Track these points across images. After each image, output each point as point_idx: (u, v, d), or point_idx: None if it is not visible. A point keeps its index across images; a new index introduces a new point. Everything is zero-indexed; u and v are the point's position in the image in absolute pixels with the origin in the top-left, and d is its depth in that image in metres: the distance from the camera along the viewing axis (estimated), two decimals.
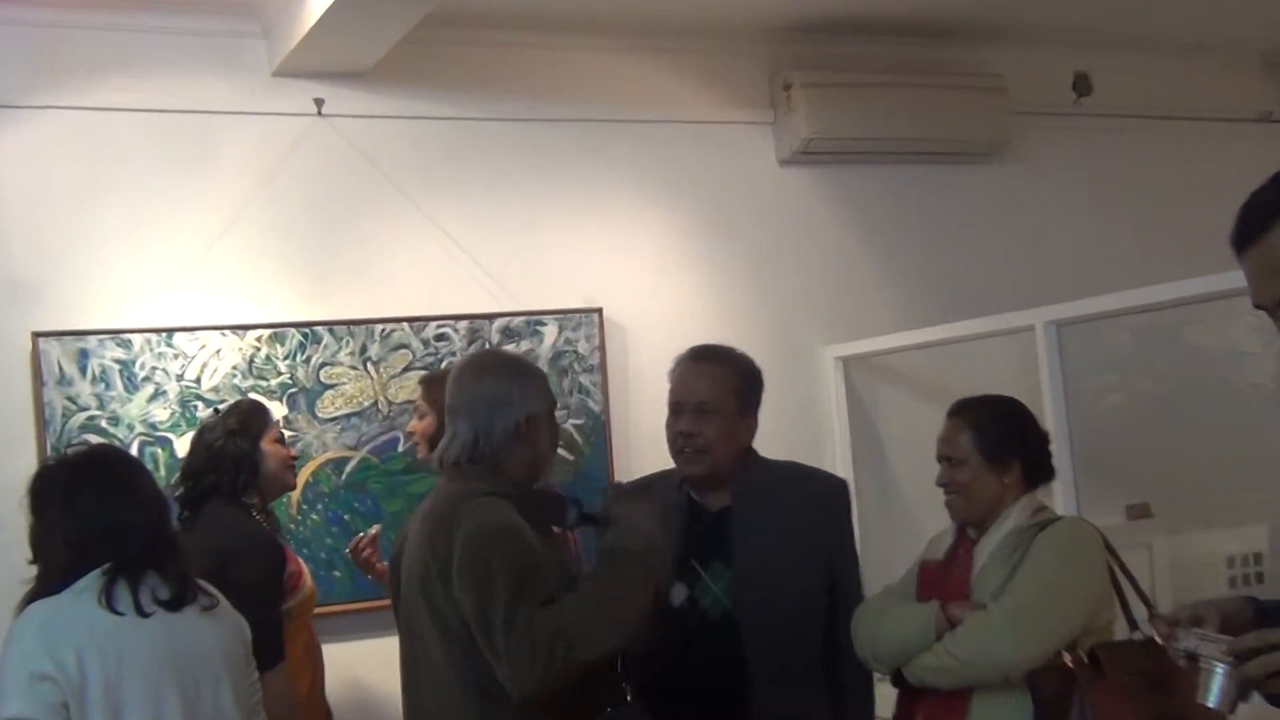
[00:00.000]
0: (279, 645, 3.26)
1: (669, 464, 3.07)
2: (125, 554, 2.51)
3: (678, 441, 2.90)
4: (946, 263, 5.39)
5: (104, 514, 2.53)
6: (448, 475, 2.61)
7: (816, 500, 2.97)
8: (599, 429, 4.78)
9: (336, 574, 4.43)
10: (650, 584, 2.48)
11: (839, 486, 3.05)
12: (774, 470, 3.01)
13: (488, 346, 4.64)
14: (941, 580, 2.81)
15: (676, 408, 2.92)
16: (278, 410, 4.38)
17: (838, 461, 4.96)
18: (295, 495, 4.38)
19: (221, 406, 3.87)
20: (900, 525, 4.46)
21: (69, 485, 2.58)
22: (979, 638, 2.62)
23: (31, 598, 2.52)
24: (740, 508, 2.90)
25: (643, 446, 4.67)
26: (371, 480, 4.55)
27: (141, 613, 2.48)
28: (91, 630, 2.43)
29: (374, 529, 3.84)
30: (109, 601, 2.46)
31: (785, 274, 5.19)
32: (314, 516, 4.47)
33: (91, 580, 2.49)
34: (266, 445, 3.58)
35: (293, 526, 4.39)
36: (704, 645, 2.84)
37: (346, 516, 4.50)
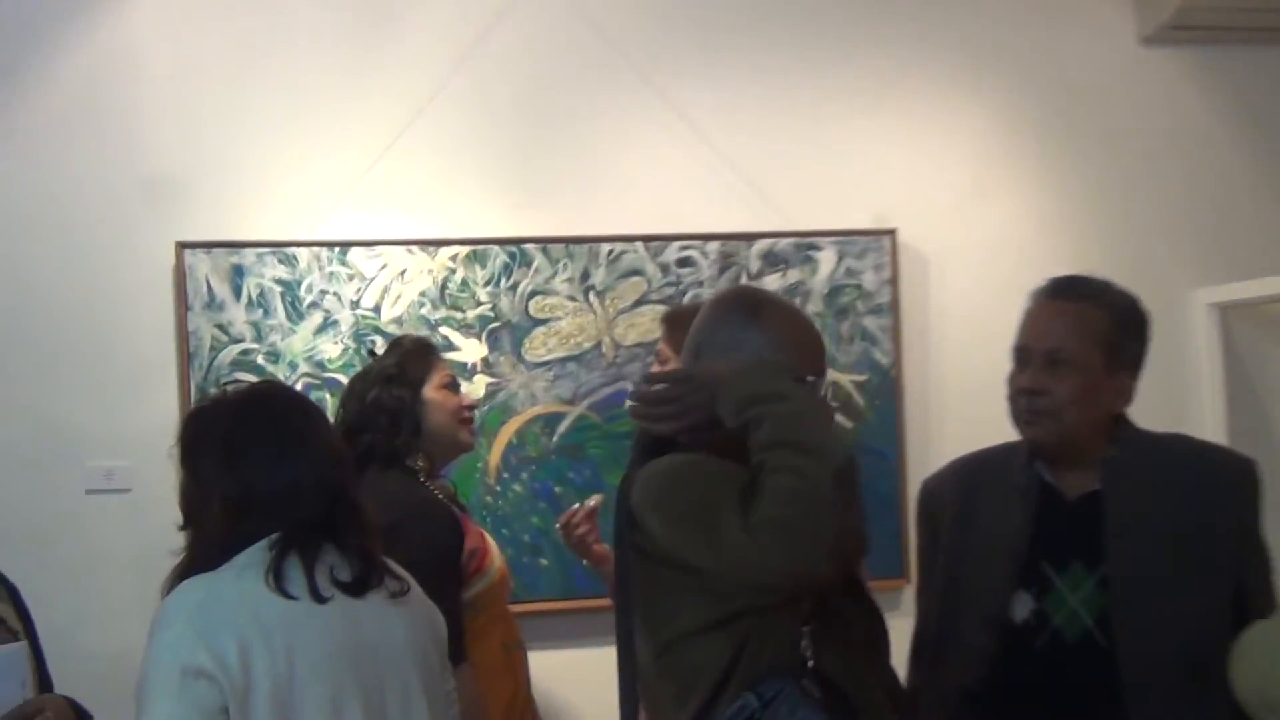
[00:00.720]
0: (458, 642, 3.13)
1: (981, 434, 2.99)
2: (298, 522, 2.44)
3: (1018, 400, 2.76)
4: None
5: (273, 471, 2.46)
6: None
7: (1216, 485, 2.78)
8: (887, 387, 4.54)
9: (543, 562, 4.28)
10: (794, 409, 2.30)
11: (1246, 468, 2.83)
12: (1156, 445, 2.84)
13: (745, 279, 4.47)
14: None
15: (1022, 355, 2.77)
16: (475, 350, 4.30)
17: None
18: (493, 460, 4.28)
19: (379, 347, 3.75)
20: None
21: (229, 433, 2.50)
22: None
23: (183, 573, 2.45)
24: (1112, 492, 2.74)
25: (946, 411, 4.55)
26: (591, 444, 4.39)
27: (318, 597, 2.41)
28: (258, 617, 2.35)
29: (593, 500, 3.66)
30: (278, 581, 2.39)
31: (1144, 191, 4.91)
32: (516, 487, 4.31)
33: (257, 554, 2.42)
34: (431, 393, 3.45)
35: (489, 499, 4.26)
36: (1056, 678, 2.70)
37: (558, 489, 4.34)
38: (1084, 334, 2.72)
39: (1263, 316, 4.93)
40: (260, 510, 2.44)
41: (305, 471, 2.48)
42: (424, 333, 4.16)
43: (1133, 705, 2.63)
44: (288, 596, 2.39)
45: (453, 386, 3.54)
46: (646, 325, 4.38)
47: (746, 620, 2.29)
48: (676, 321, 3.51)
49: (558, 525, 3.68)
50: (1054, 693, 2.69)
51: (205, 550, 2.45)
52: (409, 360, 3.48)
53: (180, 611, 2.35)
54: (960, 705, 2.72)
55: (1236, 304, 4.84)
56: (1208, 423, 4.75)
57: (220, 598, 2.37)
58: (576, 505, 3.65)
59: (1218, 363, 4.83)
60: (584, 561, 3.70)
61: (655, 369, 3.62)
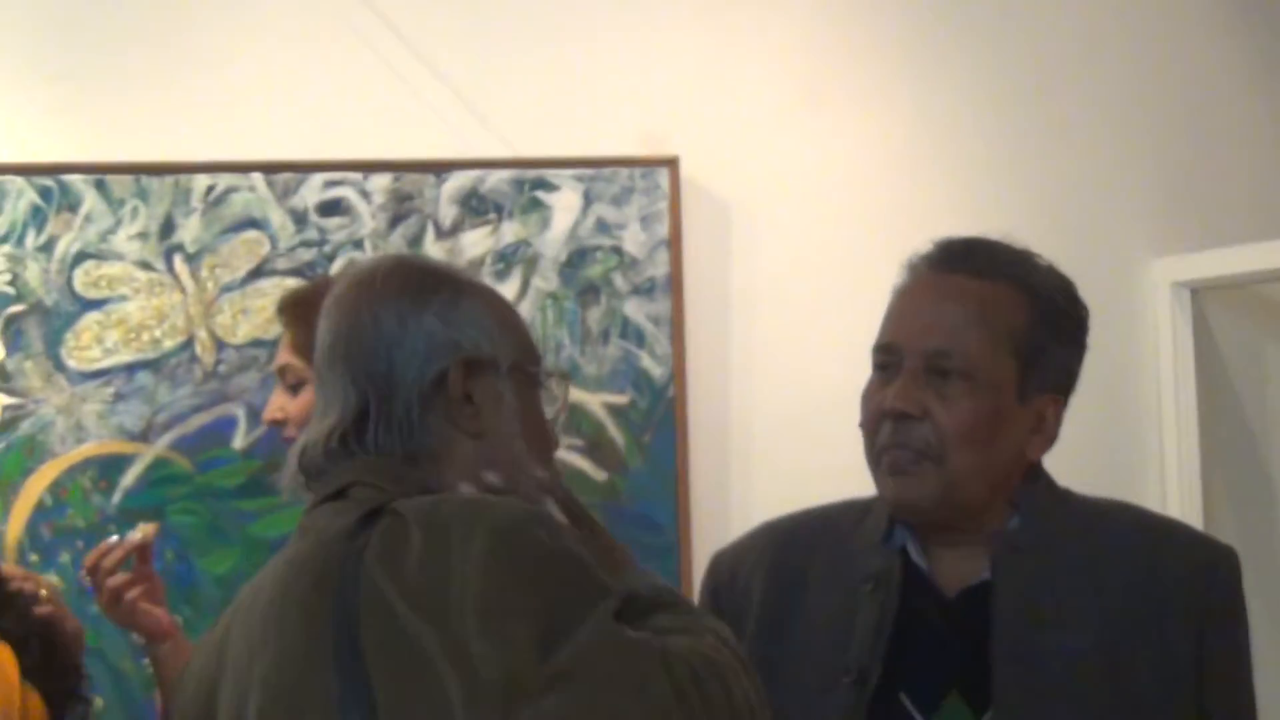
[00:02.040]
0: None
1: (811, 489, 2.77)
2: None
3: (878, 428, 2.47)
4: None
5: None
6: (320, 491, 2.22)
7: (1171, 584, 2.53)
8: (663, 414, 4.04)
9: (98, 702, 3.66)
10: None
11: (1221, 562, 2.57)
12: (1083, 517, 2.58)
13: (433, 239, 4.01)
14: None
15: (884, 361, 2.50)
16: None
17: (1170, 474, 4.45)
18: (12, 534, 3.79)
19: None
20: None
21: None
22: None
23: None
24: (1005, 590, 2.49)
25: (756, 452, 4.12)
26: (177, 506, 3.87)
27: None
28: None
29: (139, 532, 3.18)
30: None
31: (1080, 118, 4.50)
32: (51, 577, 3.69)
33: None
34: None
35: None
36: None
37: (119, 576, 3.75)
38: (990, 330, 2.44)
39: (1250, 300, 4.68)
40: None
41: None
42: None
43: None
44: None
45: None
46: (270, 311, 3.83)
47: None
48: (307, 308, 3.02)
49: (83, 568, 3.20)
50: None
51: None
52: None
53: None
54: None
55: (1213, 282, 4.51)
56: (1169, 452, 4.49)
57: None
58: (111, 538, 3.20)
59: (1188, 362, 4.51)
60: (134, 636, 3.30)
61: (280, 395, 3.26)
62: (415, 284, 2.25)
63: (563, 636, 2.04)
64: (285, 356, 3.19)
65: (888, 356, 2.47)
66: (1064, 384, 2.50)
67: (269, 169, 3.94)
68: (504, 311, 2.31)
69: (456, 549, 2.04)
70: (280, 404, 3.21)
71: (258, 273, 3.94)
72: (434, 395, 2.19)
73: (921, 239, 2.49)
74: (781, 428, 4.15)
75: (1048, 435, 2.49)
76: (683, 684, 2.03)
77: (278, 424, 3.24)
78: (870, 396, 2.48)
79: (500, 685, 1.99)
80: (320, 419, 2.22)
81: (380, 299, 2.23)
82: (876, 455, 2.47)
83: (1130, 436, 4.36)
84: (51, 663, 3.14)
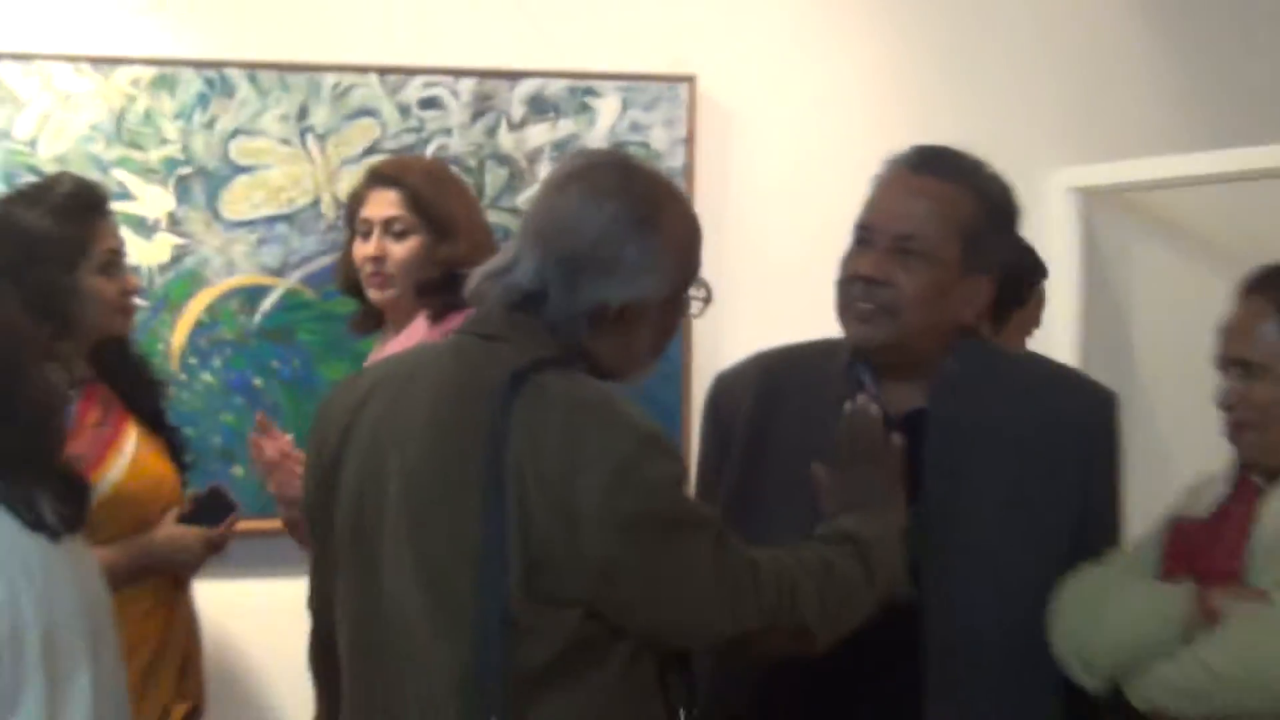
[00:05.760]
0: None
1: (785, 333, 3.12)
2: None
3: (851, 287, 2.83)
4: (1273, 51, 5.15)
5: None
6: (481, 323, 2.52)
7: (1066, 419, 2.91)
8: None
9: (238, 471, 4.34)
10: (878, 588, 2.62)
11: (1105, 403, 2.98)
12: (1003, 363, 2.97)
13: (506, 129, 4.59)
14: (1202, 551, 2.78)
15: (862, 237, 2.84)
16: (159, 201, 4.37)
17: (1058, 347, 4.76)
18: (177, 342, 4.39)
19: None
20: (1150, 456, 4.22)
21: None
22: (1252, 643, 2.56)
23: None
24: (938, 413, 2.85)
25: (744, 303, 4.49)
26: (303, 326, 4.50)
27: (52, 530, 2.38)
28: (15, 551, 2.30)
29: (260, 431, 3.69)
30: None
31: (1000, 52, 5.07)
32: (206, 377, 4.40)
33: None
34: (91, 277, 3.39)
35: (171, 391, 4.15)
36: (857, 636, 2.68)
37: (259, 381, 4.46)
38: (946, 221, 2.82)
39: (1128, 206, 5.07)
40: None
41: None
42: (94, 175, 4.12)
43: (937, 680, 2.78)
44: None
45: (118, 263, 3.50)
46: None
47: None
48: (415, 172, 3.74)
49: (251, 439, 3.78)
50: (854, 655, 2.68)
51: None
52: (66, 216, 3.39)
53: None
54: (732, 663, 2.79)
55: (1100, 189, 4.98)
56: (1060, 329, 4.91)
57: None
58: (254, 429, 3.80)
59: (1075, 258, 4.99)
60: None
61: (374, 240, 3.71)
62: (629, 205, 2.49)
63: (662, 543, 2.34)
64: (394, 209, 3.65)
65: (865, 233, 2.83)
66: (994, 268, 2.87)
67: (382, 71, 4.50)
68: (686, 240, 2.55)
69: (587, 461, 2.30)
70: (381, 246, 3.64)
71: (370, 151, 4.49)
72: (602, 316, 2.48)
73: (879, 146, 2.93)
74: (763, 286, 4.69)
75: (976, 306, 2.86)
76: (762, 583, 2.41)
77: (377, 261, 3.67)
78: (848, 262, 2.84)
79: (599, 564, 2.30)
80: (506, 269, 2.51)
81: (598, 206, 2.48)
82: (847, 306, 2.83)
83: None
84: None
